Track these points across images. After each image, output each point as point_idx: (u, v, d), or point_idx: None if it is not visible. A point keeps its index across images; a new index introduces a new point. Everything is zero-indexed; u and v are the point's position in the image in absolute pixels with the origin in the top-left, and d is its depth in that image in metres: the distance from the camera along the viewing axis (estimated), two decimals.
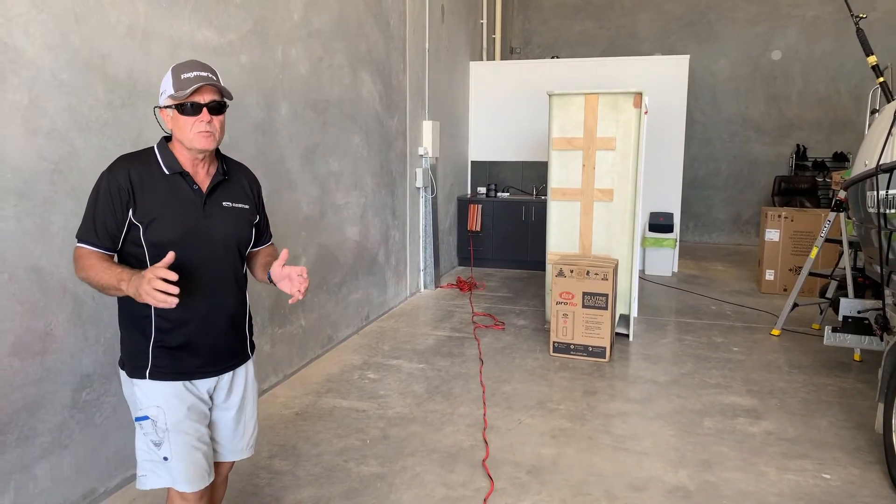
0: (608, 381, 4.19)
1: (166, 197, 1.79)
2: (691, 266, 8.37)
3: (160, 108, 1.83)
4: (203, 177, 1.87)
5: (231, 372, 1.99)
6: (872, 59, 3.99)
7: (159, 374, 1.83)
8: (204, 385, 1.92)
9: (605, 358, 4.57)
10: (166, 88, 1.78)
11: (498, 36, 9.19)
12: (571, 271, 4.59)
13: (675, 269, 7.90)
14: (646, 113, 5.09)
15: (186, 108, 1.76)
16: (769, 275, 6.77)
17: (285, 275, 1.91)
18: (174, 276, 1.58)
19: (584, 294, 4.56)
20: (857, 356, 4.61)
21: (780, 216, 6.68)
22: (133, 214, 1.76)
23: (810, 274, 5.23)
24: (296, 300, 1.88)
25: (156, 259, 1.69)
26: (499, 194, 8.29)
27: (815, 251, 5.19)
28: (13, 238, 2.32)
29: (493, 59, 9.09)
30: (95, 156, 2.61)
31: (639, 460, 3.14)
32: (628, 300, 5.09)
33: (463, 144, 8.38)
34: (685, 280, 7.45)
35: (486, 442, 3.31)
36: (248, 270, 2.09)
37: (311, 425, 3.51)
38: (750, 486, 2.91)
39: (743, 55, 10.12)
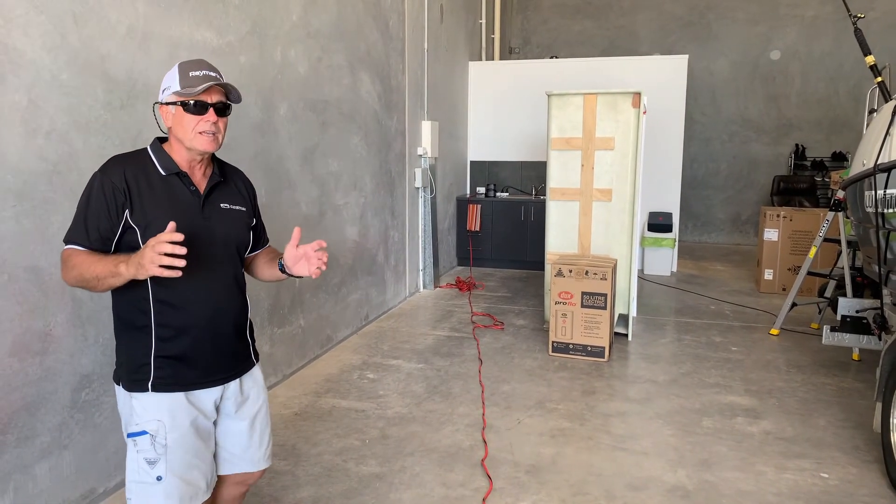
0: (607, 381, 4.20)
1: (164, 198, 1.74)
2: (690, 266, 8.38)
3: (161, 104, 1.78)
4: (199, 178, 1.83)
5: (238, 380, 1.92)
6: (870, 59, 4.00)
7: (161, 386, 1.75)
8: (209, 396, 1.84)
9: (604, 358, 4.57)
10: (171, 84, 1.74)
11: (497, 36, 9.19)
12: (570, 271, 4.60)
13: (674, 269, 7.91)
14: (644, 113, 5.09)
15: (191, 107, 1.72)
16: (768, 274, 6.78)
17: (301, 254, 1.85)
18: (180, 237, 1.49)
19: (583, 294, 4.56)
20: (855, 355, 4.62)
21: (778, 216, 6.69)
22: (129, 216, 1.69)
23: (809, 273, 5.24)
24: (318, 275, 1.82)
25: None
26: (498, 194, 8.29)
27: (813, 251, 5.20)
28: (12, 238, 2.32)
29: (492, 60, 9.09)
30: (95, 156, 2.61)
31: (638, 460, 3.15)
32: (627, 300, 5.10)
33: (462, 144, 8.38)
34: (684, 280, 7.46)
35: (485, 442, 3.31)
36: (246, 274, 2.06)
37: (310, 425, 3.52)
38: (749, 485, 2.92)
39: (742, 55, 10.13)
